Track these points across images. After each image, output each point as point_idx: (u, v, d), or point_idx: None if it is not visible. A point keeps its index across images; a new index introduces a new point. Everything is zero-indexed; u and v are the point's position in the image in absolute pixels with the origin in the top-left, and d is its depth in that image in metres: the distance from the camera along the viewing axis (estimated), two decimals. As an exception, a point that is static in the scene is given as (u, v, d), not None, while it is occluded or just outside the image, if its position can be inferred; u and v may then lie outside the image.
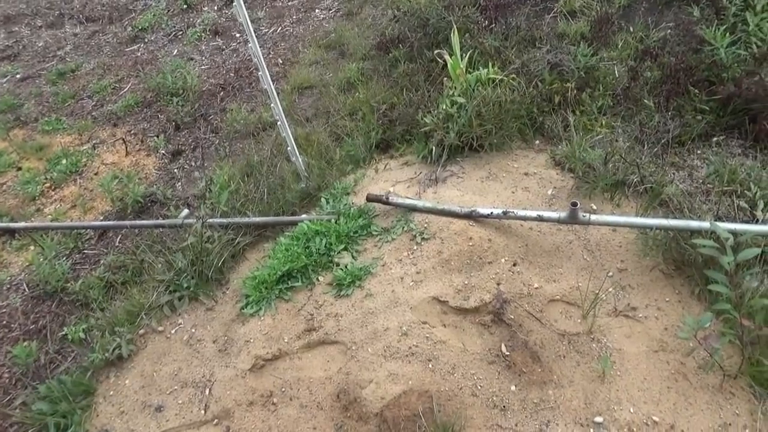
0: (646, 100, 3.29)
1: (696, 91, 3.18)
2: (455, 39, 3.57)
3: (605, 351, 2.28)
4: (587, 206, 2.90)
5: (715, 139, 3.10)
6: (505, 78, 3.46)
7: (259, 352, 2.56)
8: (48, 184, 4.21)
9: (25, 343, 2.96)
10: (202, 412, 2.44)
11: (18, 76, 5.90)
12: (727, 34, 3.22)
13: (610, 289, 2.50)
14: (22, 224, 3.76)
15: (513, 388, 2.23)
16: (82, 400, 2.61)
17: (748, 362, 2.11)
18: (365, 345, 2.46)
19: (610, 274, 2.57)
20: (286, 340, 2.60)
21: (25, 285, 3.37)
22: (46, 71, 5.87)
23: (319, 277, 2.85)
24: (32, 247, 3.64)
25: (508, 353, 2.33)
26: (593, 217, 2.59)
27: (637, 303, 2.43)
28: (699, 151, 3.07)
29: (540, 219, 2.71)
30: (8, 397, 2.76)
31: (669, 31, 3.72)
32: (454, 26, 3.68)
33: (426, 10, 4.36)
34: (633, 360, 2.24)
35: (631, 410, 2.08)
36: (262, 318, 2.73)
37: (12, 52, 6.39)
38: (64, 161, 4.33)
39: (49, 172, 4.31)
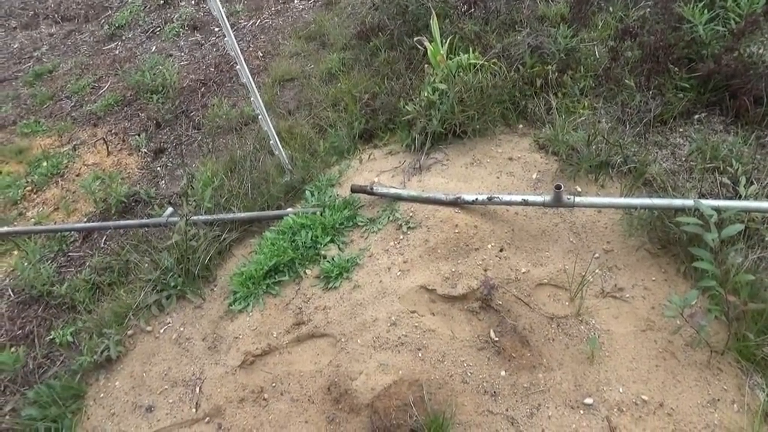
0: (627, 80, 3.29)
1: (676, 69, 3.19)
2: (435, 25, 3.54)
3: (593, 332, 2.29)
4: (572, 189, 2.90)
5: (696, 116, 3.11)
6: (486, 63, 3.44)
7: (249, 348, 2.55)
8: (29, 188, 4.15)
9: (12, 349, 2.93)
10: (194, 410, 2.42)
11: (-6, 78, 5.80)
12: (705, 11, 3.21)
13: (597, 271, 2.51)
14: (4, 229, 3.71)
15: (503, 373, 2.24)
16: (72, 404, 2.59)
17: (735, 338, 2.13)
18: (354, 336, 2.45)
19: (597, 255, 2.58)
20: (275, 335, 2.59)
21: (10, 290, 3.33)
22: (22, 73, 5.77)
23: (307, 271, 2.83)
24: (16, 252, 3.59)
25: (497, 339, 2.33)
26: (578, 200, 2.59)
27: (623, 283, 2.44)
28: (681, 129, 3.08)
29: (525, 203, 2.71)
30: (-3, 405, 2.73)
31: (648, 9, 3.71)
32: (433, 12, 3.65)
33: (405, -3, 4.33)
34: (621, 340, 2.25)
35: (621, 390, 2.10)
36: (251, 314, 2.71)
37: (-13, 55, 6.28)
38: (44, 164, 4.27)
39: (30, 175, 4.25)
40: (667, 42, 3.32)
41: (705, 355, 2.14)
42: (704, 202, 2.27)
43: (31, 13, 6.99)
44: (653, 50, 3.33)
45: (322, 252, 2.88)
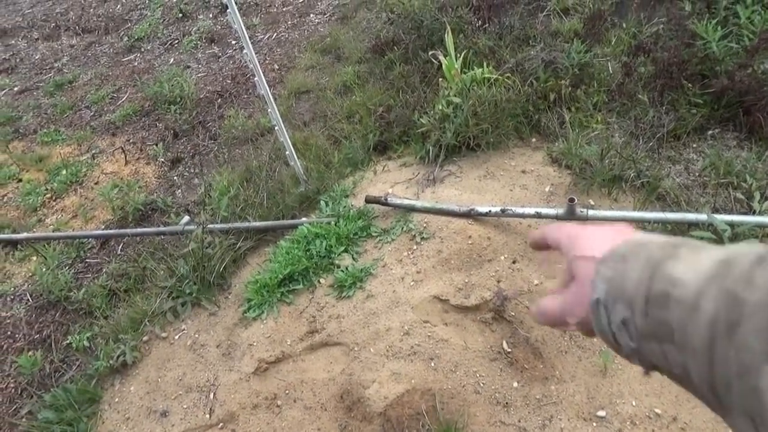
0: (640, 95, 3.31)
1: (690, 85, 3.20)
2: (449, 40, 3.59)
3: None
4: (585, 202, 2.92)
5: (710, 132, 3.12)
6: (500, 77, 3.48)
7: (263, 356, 2.58)
8: (49, 195, 4.23)
9: (30, 353, 2.98)
10: (207, 416, 2.45)
11: (16, 88, 5.94)
12: (719, 28, 3.24)
13: (610, 284, 2.51)
14: (24, 235, 3.78)
15: (515, 384, 2.24)
16: (88, 408, 2.63)
17: (748, 352, 2.12)
18: (367, 345, 2.47)
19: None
20: (288, 343, 2.61)
21: (28, 295, 3.39)
22: (43, 83, 5.90)
23: (321, 280, 2.87)
24: (35, 258, 3.66)
25: (509, 350, 2.34)
26: (591, 213, 2.61)
27: (636, 296, 2.44)
28: (694, 145, 3.09)
29: (538, 216, 2.73)
30: (14, 407, 2.78)
31: (661, 26, 3.74)
32: (448, 27, 3.70)
33: (420, 11, 4.39)
34: (634, 353, 2.25)
35: (634, 403, 2.10)
36: (265, 321, 2.74)
37: (9, 65, 6.43)
38: (64, 172, 4.36)
39: (49, 183, 4.33)
40: (681, 58, 3.35)
41: (719, 369, 2.13)
42: (718, 216, 2.28)
43: (53, 24, 7.15)
44: (667, 66, 3.35)
45: (336, 261, 2.91)
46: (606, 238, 0.59)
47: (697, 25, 3.33)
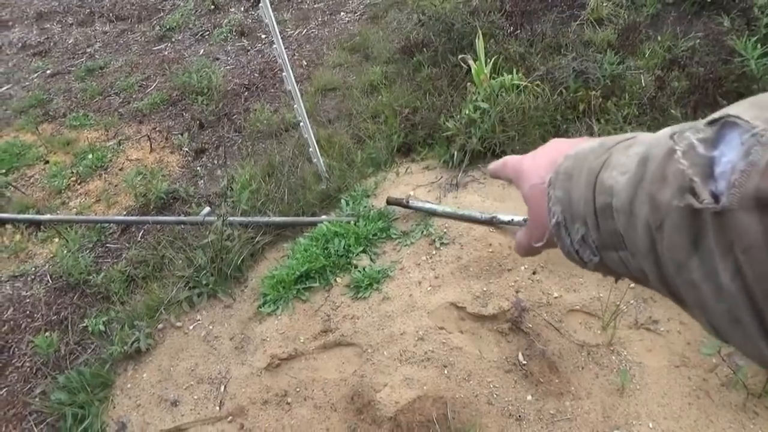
0: (672, 110, 3.24)
1: (725, 102, 3.13)
2: (480, 44, 3.56)
3: (625, 364, 2.24)
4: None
5: (743, 151, 3.04)
6: (529, 84, 3.44)
7: (275, 351, 2.57)
8: (74, 178, 4.28)
9: (47, 334, 3.01)
10: (217, 408, 2.45)
11: (48, 71, 6.02)
12: (759, 45, 3.16)
13: (632, 301, 2.46)
14: (47, 216, 3.83)
15: (529, 397, 2.20)
16: (100, 392, 2.65)
17: (773, 381, 2.06)
18: (381, 348, 2.45)
19: (632, 285, 2.53)
20: (302, 340, 2.60)
21: (48, 276, 3.43)
22: (75, 68, 5.98)
23: (337, 279, 2.85)
24: (57, 240, 3.70)
25: (525, 362, 2.30)
26: (616, 228, 2.55)
27: (659, 316, 2.39)
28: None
29: (561, 227, 2.68)
30: (28, 386, 2.81)
31: (698, 40, 3.66)
32: (479, 31, 3.67)
33: (451, 15, 4.36)
34: (653, 374, 2.20)
35: (650, 425, 2.04)
36: (279, 317, 2.74)
37: (43, 49, 6.53)
38: (90, 156, 4.40)
39: (75, 167, 4.38)
40: (717, 74, 3.27)
41: (741, 396, 2.07)
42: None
43: (88, 11, 7.25)
44: (702, 82, 3.28)
45: (354, 261, 2.89)
46: (547, 159, 0.60)
47: (736, 42, 3.25)
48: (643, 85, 3.50)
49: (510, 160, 0.68)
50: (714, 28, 3.64)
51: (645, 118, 3.36)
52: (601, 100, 3.40)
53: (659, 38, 3.83)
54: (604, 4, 4.25)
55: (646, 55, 3.72)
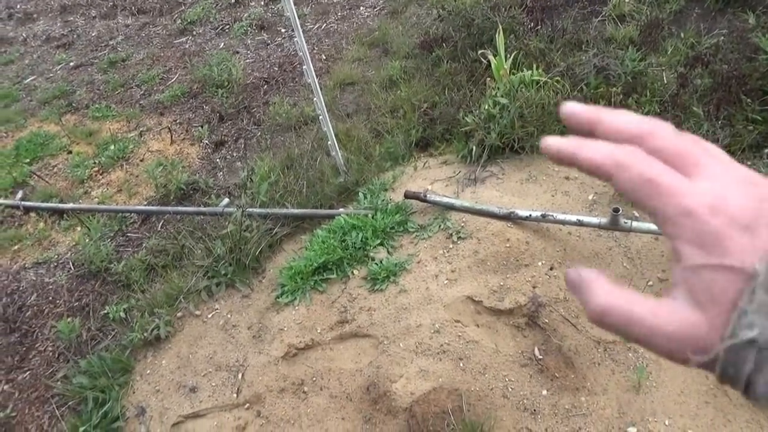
0: (695, 108, 3.21)
1: (749, 100, 3.09)
2: (500, 39, 3.54)
3: (642, 361, 2.23)
4: (629, 213, 2.84)
5: (766, 150, 3.00)
6: (549, 80, 3.42)
7: (292, 341, 2.60)
8: (96, 169, 4.35)
9: (69, 319, 3.07)
10: (235, 395, 2.49)
11: (72, 63, 6.12)
12: (785, 43, 3.11)
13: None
14: (70, 205, 3.90)
15: (544, 392, 2.21)
16: (120, 377, 2.70)
17: (793, 381, 2.04)
18: (397, 340, 2.47)
19: (651, 283, 2.52)
20: (318, 331, 2.63)
21: (71, 264, 3.50)
22: (98, 60, 6.07)
23: (354, 271, 2.87)
24: (79, 228, 3.77)
25: (541, 357, 2.31)
26: (635, 224, 2.54)
27: (677, 314, 2.37)
28: (749, 162, 2.98)
29: (580, 224, 2.67)
30: (51, 370, 2.87)
31: (722, 38, 3.61)
32: (500, 27, 3.65)
33: (471, 10, 4.35)
34: (670, 372, 2.19)
35: (666, 423, 2.04)
36: (297, 308, 2.77)
37: (67, 41, 6.63)
38: (112, 147, 4.47)
39: (97, 157, 4.45)
40: (741, 72, 3.22)
41: (760, 396, 2.06)
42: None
43: (111, 4, 7.34)
44: (725, 79, 3.24)
45: (371, 254, 2.91)
46: (750, 214, 0.34)
47: (761, 39, 3.20)
48: (665, 82, 3.46)
49: (647, 157, 0.38)
50: (738, 25, 3.59)
51: (666, 116, 3.32)
52: (621, 97, 3.37)
53: (682, 35, 3.79)
54: (627, 0, 4.21)
55: (669, 52, 3.67)
